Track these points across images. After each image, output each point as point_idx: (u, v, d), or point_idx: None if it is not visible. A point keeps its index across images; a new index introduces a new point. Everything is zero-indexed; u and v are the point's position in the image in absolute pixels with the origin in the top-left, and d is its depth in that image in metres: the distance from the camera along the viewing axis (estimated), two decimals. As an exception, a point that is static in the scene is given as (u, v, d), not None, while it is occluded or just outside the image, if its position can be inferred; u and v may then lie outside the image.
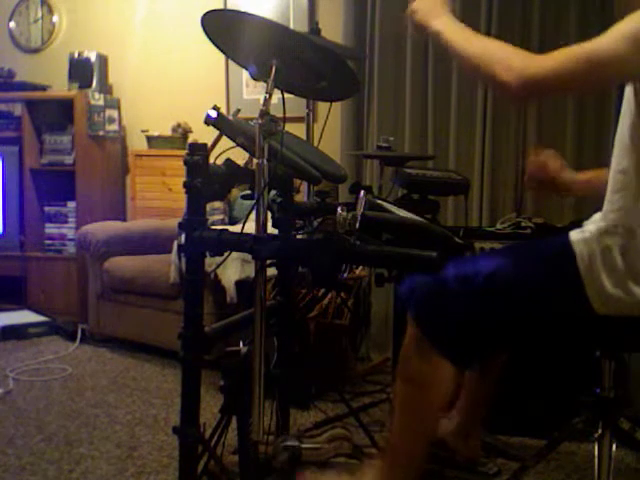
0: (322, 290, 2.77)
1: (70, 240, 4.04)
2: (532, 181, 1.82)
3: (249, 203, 1.48)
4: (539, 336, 1.56)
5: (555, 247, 1.42)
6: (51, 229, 4.10)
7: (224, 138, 1.58)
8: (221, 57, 3.49)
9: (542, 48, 3.05)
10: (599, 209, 1.42)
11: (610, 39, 1.24)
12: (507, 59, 1.29)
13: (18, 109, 4.14)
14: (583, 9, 2.95)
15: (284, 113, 1.42)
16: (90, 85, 4.06)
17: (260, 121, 1.39)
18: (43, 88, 4.15)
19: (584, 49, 1.25)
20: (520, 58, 1.29)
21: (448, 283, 1.42)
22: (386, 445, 1.66)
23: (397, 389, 1.53)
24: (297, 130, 1.95)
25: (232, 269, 2.84)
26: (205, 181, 1.52)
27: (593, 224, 1.40)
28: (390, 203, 1.70)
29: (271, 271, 1.74)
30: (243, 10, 1.58)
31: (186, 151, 1.53)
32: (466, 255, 1.54)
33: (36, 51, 4.47)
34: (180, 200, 3.73)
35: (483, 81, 1.39)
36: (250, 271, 2.80)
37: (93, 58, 4.08)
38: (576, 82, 1.29)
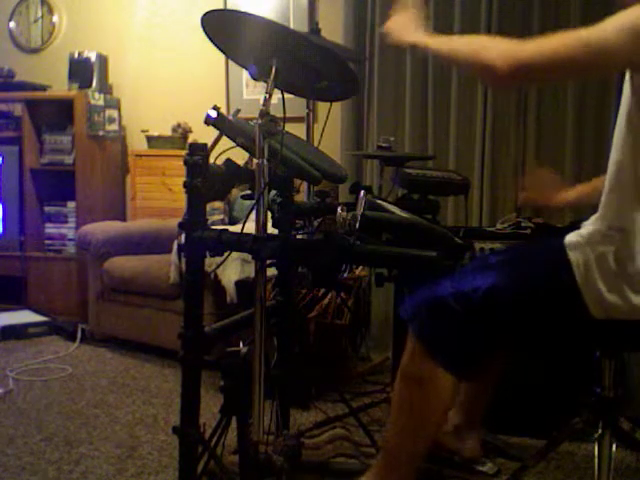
0: (322, 290, 2.77)
1: (70, 240, 4.04)
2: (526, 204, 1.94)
3: (249, 203, 1.48)
4: (539, 341, 1.56)
5: (550, 256, 1.42)
6: (51, 229, 4.10)
7: (224, 138, 1.58)
8: (221, 57, 3.49)
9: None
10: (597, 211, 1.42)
11: (609, 28, 1.23)
12: (497, 44, 1.30)
13: (18, 109, 4.13)
14: (583, 10, 2.95)
15: (284, 113, 1.42)
16: (90, 85, 4.06)
17: (260, 121, 1.39)
18: (43, 88, 4.15)
19: (582, 34, 1.24)
20: (510, 42, 1.29)
21: (448, 302, 1.43)
22: (384, 445, 1.65)
23: (397, 389, 1.53)
24: (297, 130, 1.95)
25: (232, 269, 2.84)
26: (205, 181, 1.52)
27: (588, 228, 1.40)
28: (390, 203, 1.71)
29: (271, 271, 1.74)
30: (243, 10, 1.58)
31: (186, 151, 1.53)
32: (464, 266, 1.54)
33: (36, 51, 4.47)
34: (180, 200, 3.73)
35: (472, 70, 1.38)
36: (250, 271, 2.80)
37: (93, 58, 4.08)
38: (569, 67, 1.28)
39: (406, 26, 1.51)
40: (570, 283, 1.35)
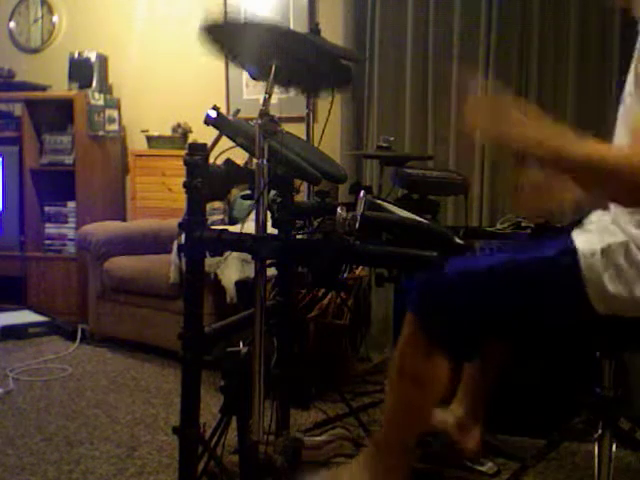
0: (322, 290, 2.77)
1: (70, 240, 4.04)
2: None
3: (249, 203, 1.49)
4: (538, 333, 1.56)
5: (557, 244, 1.42)
6: (51, 229, 4.10)
7: (224, 138, 1.58)
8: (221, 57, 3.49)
9: (542, 47, 3.05)
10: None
11: None
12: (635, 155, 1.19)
13: (18, 109, 4.14)
14: (582, 10, 2.95)
15: (284, 113, 1.42)
16: (90, 85, 4.06)
17: (260, 121, 1.39)
18: (43, 88, 4.15)
19: None
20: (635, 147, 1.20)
21: (449, 276, 1.43)
22: (377, 437, 1.66)
23: (392, 384, 1.54)
24: (297, 130, 1.95)
25: (232, 269, 2.84)
26: (205, 181, 1.52)
27: (594, 223, 1.40)
28: (390, 203, 1.70)
29: (271, 271, 1.74)
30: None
31: (186, 151, 1.53)
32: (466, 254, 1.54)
33: (36, 51, 4.47)
34: (180, 200, 3.73)
35: (620, 192, 1.23)
36: (250, 271, 2.80)
37: (93, 58, 4.08)
38: None
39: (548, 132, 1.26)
40: (574, 271, 1.34)
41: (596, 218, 1.42)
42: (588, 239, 1.36)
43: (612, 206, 1.38)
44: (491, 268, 1.40)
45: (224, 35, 1.49)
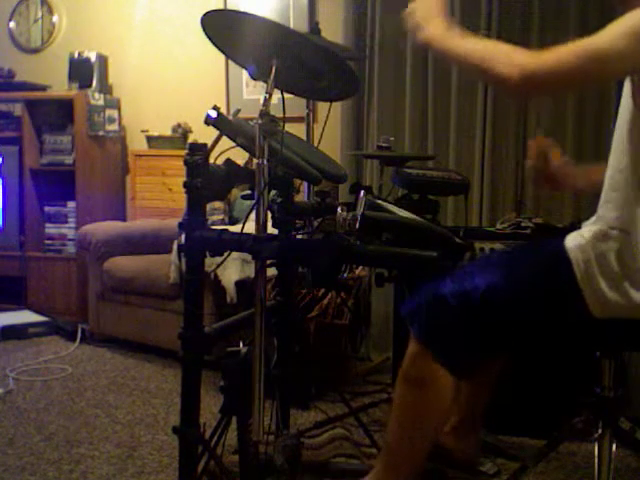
0: (322, 290, 2.77)
1: (70, 240, 4.03)
2: (533, 171, 1.83)
3: (249, 203, 1.48)
4: (539, 341, 1.56)
5: (550, 255, 1.42)
6: (51, 229, 4.10)
7: (224, 138, 1.58)
8: (221, 57, 3.49)
9: (542, 46, 3.04)
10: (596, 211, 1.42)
11: (610, 35, 1.24)
12: (507, 55, 1.29)
13: (18, 109, 4.14)
14: (584, 9, 2.95)
15: (284, 113, 1.42)
16: (90, 85, 4.06)
17: (260, 121, 1.39)
18: (43, 88, 4.15)
19: (584, 45, 1.25)
20: (520, 54, 1.29)
21: (447, 300, 1.43)
22: (384, 447, 1.66)
23: (398, 391, 1.53)
24: (297, 130, 1.95)
25: (232, 269, 2.84)
26: (205, 181, 1.52)
27: (589, 228, 1.40)
28: (390, 203, 1.70)
29: (271, 271, 1.74)
30: (243, 10, 1.59)
31: (186, 151, 1.53)
32: (464, 265, 1.54)
33: (36, 51, 4.47)
34: (180, 200, 3.73)
35: (483, 79, 1.37)
36: (250, 271, 2.80)
37: (93, 58, 4.08)
38: (577, 77, 1.28)
39: (430, 10, 1.42)
40: (570, 281, 1.35)
41: (593, 222, 1.41)
42: (582, 246, 1.36)
43: (609, 212, 1.38)
44: (486, 291, 1.40)
45: (225, 26, 1.49)
